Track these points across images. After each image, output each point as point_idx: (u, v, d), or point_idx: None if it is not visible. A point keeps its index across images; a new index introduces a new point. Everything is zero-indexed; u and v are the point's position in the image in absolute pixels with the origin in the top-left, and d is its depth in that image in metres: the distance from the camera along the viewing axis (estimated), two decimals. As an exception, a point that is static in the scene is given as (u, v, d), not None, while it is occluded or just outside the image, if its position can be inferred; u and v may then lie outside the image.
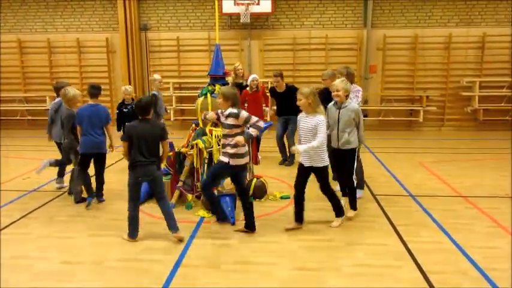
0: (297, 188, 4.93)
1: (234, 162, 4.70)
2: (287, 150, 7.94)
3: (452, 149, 9.42)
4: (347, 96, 5.04)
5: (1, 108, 12.44)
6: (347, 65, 5.94)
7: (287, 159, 7.99)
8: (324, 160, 4.76)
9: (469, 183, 6.74)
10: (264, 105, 8.18)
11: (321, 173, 4.82)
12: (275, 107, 8.20)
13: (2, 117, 12.54)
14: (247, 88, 7.93)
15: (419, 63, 11.74)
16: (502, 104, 11.48)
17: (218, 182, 5.36)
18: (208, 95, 5.83)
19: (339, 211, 5.07)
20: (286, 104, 7.78)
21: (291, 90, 7.76)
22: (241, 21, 11.26)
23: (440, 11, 11.54)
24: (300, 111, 4.88)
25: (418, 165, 7.92)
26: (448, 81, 11.75)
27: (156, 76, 8.21)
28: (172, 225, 4.67)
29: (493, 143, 9.94)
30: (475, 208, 5.65)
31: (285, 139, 8.00)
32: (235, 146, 4.65)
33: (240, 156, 4.72)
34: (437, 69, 11.81)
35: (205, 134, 5.73)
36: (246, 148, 4.81)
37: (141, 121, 4.59)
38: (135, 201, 4.69)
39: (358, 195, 5.62)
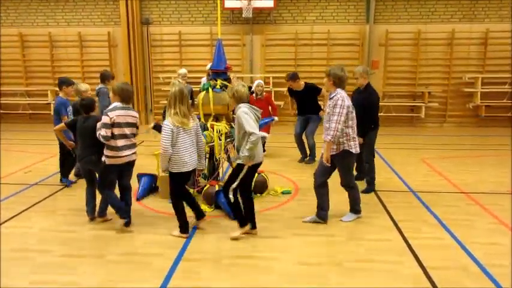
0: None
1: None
2: (306, 148, 7.87)
3: (454, 145, 9.41)
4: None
5: (2, 101, 12.44)
6: (341, 65, 4.83)
7: (307, 156, 7.88)
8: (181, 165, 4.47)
9: (471, 180, 6.73)
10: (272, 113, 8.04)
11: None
12: (295, 107, 7.98)
13: (3, 111, 12.56)
14: (253, 94, 7.85)
15: (422, 59, 11.69)
16: (504, 101, 11.44)
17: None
18: (210, 89, 5.82)
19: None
20: (306, 104, 7.69)
21: (310, 89, 7.67)
22: (243, 16, 11.21)
23: (443, 7, 11.48)
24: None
25: (419, 162, 7.91)
26: (450, 77, 11.71)
27: (181, 71, 8.23)
28: (101, 209, 5.08)
29: (494, 140, 9.92)
30: (477, 204, 5.64)
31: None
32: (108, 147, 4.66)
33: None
34: (440, 65, 11.77)
35: (206, 128, 5.73)
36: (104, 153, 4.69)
37: (85, 117, 4.97)
38: (88, 183, 5.12)
39: (348, 219, 5.08)
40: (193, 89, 8.59)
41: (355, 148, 4.75)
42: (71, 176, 6.67)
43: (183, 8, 12.00)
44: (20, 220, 5.18)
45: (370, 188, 6.09)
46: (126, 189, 4.99)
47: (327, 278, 3.83)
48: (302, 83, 7.69)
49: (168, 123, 4.35)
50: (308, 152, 7.84)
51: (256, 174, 5.97)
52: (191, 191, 5.70)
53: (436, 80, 11.81)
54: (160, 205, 5.61)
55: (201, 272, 3.93)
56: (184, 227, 4.66)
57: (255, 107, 4.52)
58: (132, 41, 11.92)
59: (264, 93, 8.05)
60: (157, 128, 5.67)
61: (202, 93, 5.88)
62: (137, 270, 3.96)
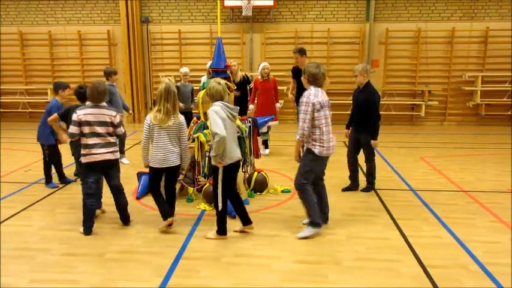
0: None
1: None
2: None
3: (454, 144, 9.40)
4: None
5: (2, 100, 12.44)
6: (318, 63, 4.74)
7: None
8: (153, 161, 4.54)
9: (471, 178, 6.73)
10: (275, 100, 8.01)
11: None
12: (294, 92, 7.90)
13: (3, 110, 12.56)
14: (259, 76, 7.85)
15: (422, 57, 11.67)
16: (504, 99, 11.44)
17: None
18: (210, 88, 5.81)
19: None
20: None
21: None
22: (243, 14, 11.21)
23: (443, 5, 11.47)
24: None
25: (419, 160, 7.91)
26: (450, 75, 11.70)
27: (182, 69, 8.27)
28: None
29: (494, 138, 9.92)
30: (476, 203, 5.64)
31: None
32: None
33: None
34: (440, 63, 11.76)
35: (206, 127, 5.72)
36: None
37: (78, 107, 4.88)
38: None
39: (306, 234, 4.62)
40: (194, 88, 8.57)
41: (319, 149, 4.53)
42: (70, 175, 6.67)
43: (182, 6, 12.00)
44: (19, 219, 5.18)
45: (370, 187, 6.09)
46: (117, 191, 4.84)
47: (326, 277, 3.83)
48: (307, 62, 7.60)
49: (147, 119, 4.47)
50: None
51: (256, 173, 6.00)
52: (190, 189, 5.71)
53: (436, 79, 11.81)
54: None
55: (200, 271, 3.93)
56: (167, 213, 4.67)
57: (231, 106, 4.43)
58: (132, 39, 11.92)
59: (271, 76, 8.11)
60: None
61: (202, 92, 5.86)
62: (137, 269, 3.96)
